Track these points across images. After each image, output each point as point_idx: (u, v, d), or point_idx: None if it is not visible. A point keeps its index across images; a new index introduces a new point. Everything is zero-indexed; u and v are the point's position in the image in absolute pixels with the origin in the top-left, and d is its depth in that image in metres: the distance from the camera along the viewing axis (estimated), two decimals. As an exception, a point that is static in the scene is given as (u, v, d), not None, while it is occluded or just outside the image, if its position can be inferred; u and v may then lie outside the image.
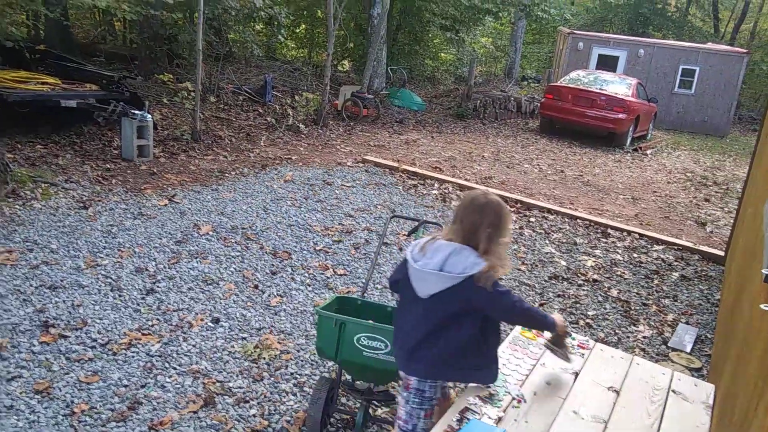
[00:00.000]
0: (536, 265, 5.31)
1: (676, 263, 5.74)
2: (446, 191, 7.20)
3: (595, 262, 5.53)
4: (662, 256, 5.88)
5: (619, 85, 13.81)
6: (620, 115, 12.76)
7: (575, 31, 20.23)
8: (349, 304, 3.05)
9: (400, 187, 7.15)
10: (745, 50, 19.72)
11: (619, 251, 5.88)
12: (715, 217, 7.89)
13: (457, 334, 2.10)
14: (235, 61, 11.37)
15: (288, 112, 9.99)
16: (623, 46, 19.96)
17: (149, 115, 6.79)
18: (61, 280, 3.98)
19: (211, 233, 5.09)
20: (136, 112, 6.66)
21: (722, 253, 5.91)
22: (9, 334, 3.33)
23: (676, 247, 6.12)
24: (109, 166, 6.50)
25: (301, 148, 8.72)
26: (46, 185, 5.44)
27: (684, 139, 16.29)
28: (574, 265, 5.39)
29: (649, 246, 6.12)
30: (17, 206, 5.01)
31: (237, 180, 6.68)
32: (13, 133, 6.70)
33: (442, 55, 20.68)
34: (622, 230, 6.45)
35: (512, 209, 6.73)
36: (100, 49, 10.99)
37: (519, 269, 5.16)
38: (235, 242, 5.00)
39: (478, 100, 14.10)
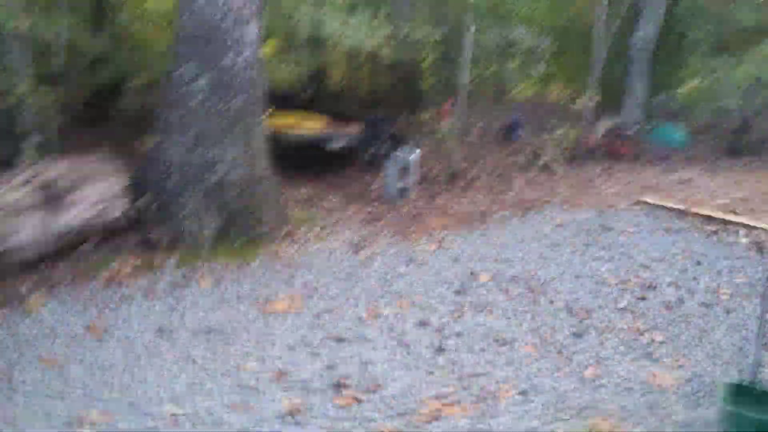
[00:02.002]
0: None
1: None
2: (759, 239, 5.73)
3: None
4: None
5: None
6: None
7: None
8: (747, 394, 2.13)
9: (696, 234, 5.87)
10: None
11: None
12: None
13: None
14: (482, 97, 11.00)
15: (539, 151, 9.23)
16: None
17: (412, 156, 6.54)
18: (346, 331, 3.62)
19: (490, 282, 4.46)
20: (400, 153, 6.45)
21: None
22: (301, 393, 2.97)
23: None
24: (371, 208, 6.33)
25: (560, 189, 7.85)
26: (318, 227, 5.35)
27: None
28: None
29: None
30: (294, 249, 4.92)
31: (502, 223, 6.03)
32: (282, 175, 6.92)
33: (697, 83, 18.20)
34: None
35: None
36: (352, 93, 11.41)
37: None
38: (519, 294, 4.29)
39: (756, 133, 11.90)
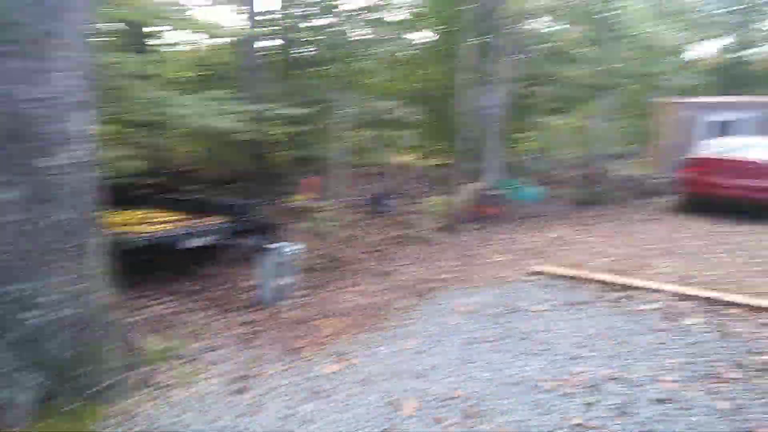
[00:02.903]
0: None
1: None
2: (663, 305, 5.48)
3: None
4: None
5: (776, 151, 12.00)
6: (782, 184, 10.88)
7: (679, 100, 18.70)
8: None
9: (602, 306, 5.49)
10: None
11: None
12: None
13: None
14: (349, 170, 10.39)
15: (413, 222, 8.71)
16: (738, 108, 18.22)
17: (290, 248, 5.56)
18: None
19: (418, 412, 3.58)
20: (273, 246, 5.45)
21: None
22: None
23: None
24: (246, 318, 5.20)
25: (446, 264, 7.30)
26: (182, 361, 4.13)
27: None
28: None
29: None
30: (152, 403, 3.66)
31: (402, 320, 5.22)
32: (130, 291, 5.57)
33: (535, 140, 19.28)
34: None
35: (759, 321, 4.97)
36: (200, 175, 10.23)
37: None
38: (456, 424, 3.45)
39: (608, 185, 12.57)
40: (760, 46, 29.69)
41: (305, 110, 7.96)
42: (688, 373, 4.02)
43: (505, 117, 11.11)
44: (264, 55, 11.07)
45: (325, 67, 11.58)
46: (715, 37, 26.78)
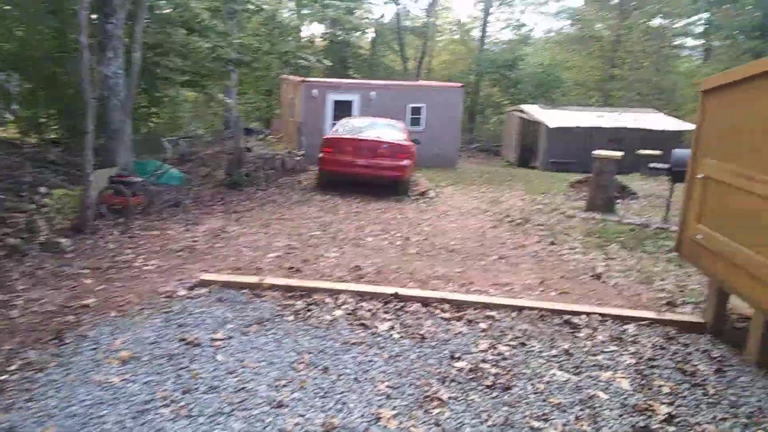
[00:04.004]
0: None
1: (681, 350, 4.70)
2: (357, 308, 5.07)
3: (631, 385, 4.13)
4: (648, 341, 4.77)
5: (393, 130, 13.20)
6: (404, 162, 12.10)
7: (308, 79, 19.36)
8: None
9: (293, 320, 4.77)
10: (460, 84, 21.36)
11: (617, 349, 4.61)
12: (586, 264, 7.32)
13: None
14: None
15: (27, 222, 6.56)
16: (355, 90, 19.84)
17: None
18: None
19: None
20: None
21: (699, 320, 5.12)
22: None
23: (645, 322, 5.10)
24: None
25: (84, 281, 5.58)
26: None
27: (429, 174, 16.41)
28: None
29: (621, 328, 4.99)
30: None
31: (31, 391, 3.54)
32: None
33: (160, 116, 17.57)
34: (579, 313, 5.22)
35: (443, 317, 5.02)
36: None
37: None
38: None
39: (252, 164, 11.98)
40: (362, 31, 33.41)
41: None
42: (405, 400, 3.59)
43: (131, 88, 9.40)
44: None
45: None
46: (324, 19, 28.81)
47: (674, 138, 22.69)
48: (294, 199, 10.87)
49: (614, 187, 11.73)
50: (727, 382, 3.96)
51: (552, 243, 8.38)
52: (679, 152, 10.83)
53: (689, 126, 23.83)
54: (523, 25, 37.98)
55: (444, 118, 20.04)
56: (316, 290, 5.38)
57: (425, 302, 5.20)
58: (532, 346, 4.45)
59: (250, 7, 14.64)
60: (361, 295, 5.33)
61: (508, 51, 34.63)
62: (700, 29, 34.22)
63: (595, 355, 4.36)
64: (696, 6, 31.55)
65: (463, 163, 22.27)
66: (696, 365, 4.24)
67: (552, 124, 22.62)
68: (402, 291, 5.39)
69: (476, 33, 37.26)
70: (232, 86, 16.45)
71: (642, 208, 12.56)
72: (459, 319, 4.92)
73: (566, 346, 4.47)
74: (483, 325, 4.81)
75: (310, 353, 4.13)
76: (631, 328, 4.93)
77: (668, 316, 5.23)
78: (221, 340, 4.30)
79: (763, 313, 4.09)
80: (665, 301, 5.93)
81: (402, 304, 5.17)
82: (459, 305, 5.21)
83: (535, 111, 24.68)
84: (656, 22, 33.46)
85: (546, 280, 6.46)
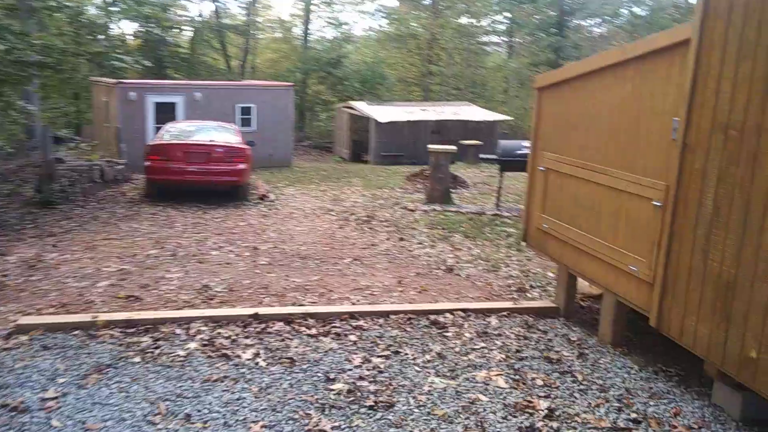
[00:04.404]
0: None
1: (543, 338, 4.89)
2: (213, 338, 4.57)
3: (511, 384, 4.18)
4: (511, 332, 4.92)
5: (226, 133, 12.52)
6: (241, 165, 11.54)
7: (123, 81, 17.69)
8: None
9: (141, 361, 4.16)
10: (289, 84, 20.96)
11: (486, 343, 4.67)
12: (437, 257, 7.50)
13: None
14: None
15: None
16: (178, 91, 18.61)
17: None
18: None
19: None
20: None
21: (552, 304, 5.39)
22: None
23: (504, 313, 5.26)
24: None
25: None
26: None
27: (266, 175, 15.97)
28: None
29: (484, 322, 5.09)
30: None
31: None
32: None
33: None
34: (443, 311, 5.23)
35: (309, 333, 4.75)
36: None
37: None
38: None
39: (66, 178, 10.58)
40: (180, 29, 31.54)
41: None
42: (287, 437, 3.26)
43: None
44: None
45: None
46: (137, 17, 26.79)
47: (490, 128, 24.45)
48: (120, 215, 9.79)
49: (449, 179, 12.23)
50: (590, 365, 4.17)
51: (401, 239, 8.45)
52: (504, 143, 11.54)
53: (501, 117, 25.86)
54: (345, 23, 38.52)
55: (275, 118, 19.57)
56: (162, 321, 4.77)
57: (288, 320, 4.87)
58: (405, 354, 4.33)
59: (52, 4, 12.94)
60: (216, 321, 4.84)
61: (331, 49, 34.85)
62: (503, 27, 37.32)
63: (466, 354, 4.36)
64: (499, 6, 34.28)
65: (297, 161, 21.99)
66: (559, 351, 4.42)
67: (381, 119, 23.15)
68: (261, 310, 5.00)
69: (298, 31, 37.04)
70: (32, 91, 14.48)
71: (474, 196, 13.27)
72: (326, 334, 4.66)
73: (438, 349, 4.42)
74: (353, 338, 4.60)
75: (166, 400, 3.60)
76: (493, 320, 5.04)
77: (524, 303, 5.45)
78: (54, 399, 3.59)
79: (613, 295, 4.37)
80: (515, 288, 6.20)
81: (263, 325, 4.78)
82: (324, 318, 4.95)
83: (364, 107, 25.09)
84: (464, 20, 35.79)
85: (403, 279, 6.45)
